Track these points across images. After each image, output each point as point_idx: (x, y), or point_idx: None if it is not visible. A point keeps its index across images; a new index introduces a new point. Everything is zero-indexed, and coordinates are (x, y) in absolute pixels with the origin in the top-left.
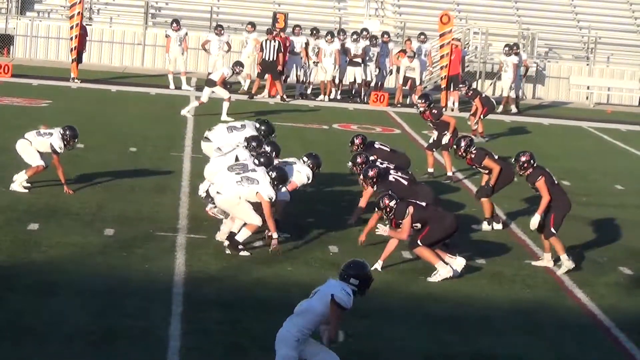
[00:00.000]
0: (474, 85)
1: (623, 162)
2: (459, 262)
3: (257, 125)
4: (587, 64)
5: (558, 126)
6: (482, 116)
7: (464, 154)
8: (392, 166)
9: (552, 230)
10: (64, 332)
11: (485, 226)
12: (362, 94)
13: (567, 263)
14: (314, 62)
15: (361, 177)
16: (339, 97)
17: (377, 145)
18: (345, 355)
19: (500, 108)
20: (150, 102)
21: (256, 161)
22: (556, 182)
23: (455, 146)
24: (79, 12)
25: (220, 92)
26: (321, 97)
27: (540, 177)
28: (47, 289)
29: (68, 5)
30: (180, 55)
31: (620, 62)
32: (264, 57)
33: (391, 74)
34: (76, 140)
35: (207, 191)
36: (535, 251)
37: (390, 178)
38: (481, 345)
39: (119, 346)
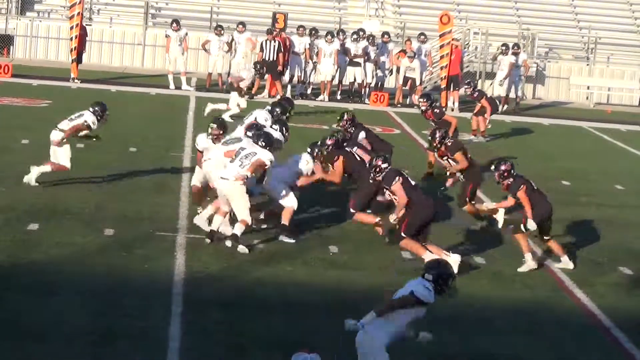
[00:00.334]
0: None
1: (623, 162)
2: (453, 259)
3: (270, 109)
4: (587, 64)
5: (558, 126)
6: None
7: (438, 145)
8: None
9: (522, 227)
10: (63, 332)
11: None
12: (362, 94)
13: (530, 263)
14: (313, 63)
15: (322, 153)
16: (339, 97)
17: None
18: (345, 355)
19: (504, 107)
20: (150, 102)
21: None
22: (535, 187)
23: (430, 137)
24: (78, 13)
25: (234, 98)
26: (321, 97)
27: (521, 187)
28: (47, 289)
29: (68, 6)
30: (180, 55)
31: (620, 62)
32: (264, 57)
33: (391, 74)
34: (107, 112)
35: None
36: (535, 251)
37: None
38: (481, 345)
39: (119, 346)
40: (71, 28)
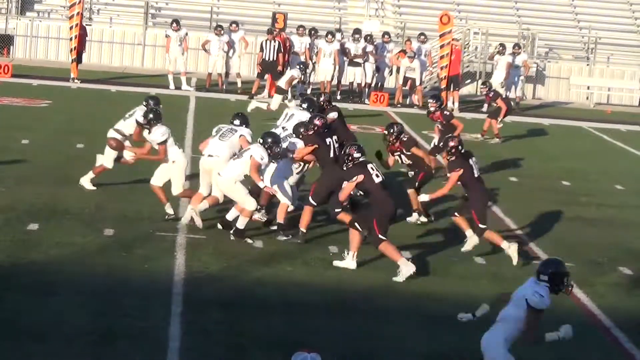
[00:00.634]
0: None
1: (623, 162)
2: (406, 271)
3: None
4: (587, 64)
5: (558, 126)
6: (502, 117)
7: (394, 140)
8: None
9: (481, 226)
10: (63, 332)
11: (413, 218)
12: (362, 94)
13: (473, 239)
14: (312, 63)
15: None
16: (338, 97)
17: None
18: (345, 355)
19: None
20: None
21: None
22: (477, 175)
23: (385, 131)
24: (78, 12)
25: (276, 100)
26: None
27: (458, 170)
28: (47, 288)
29: (68, 5)
30: (180, 55)
31: (620, 62)
32: (263, 57)
33: (391, 74)
34: (160, 105)
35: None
36: (535, 251)
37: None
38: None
39: (119, 346)
40: (71, 28)
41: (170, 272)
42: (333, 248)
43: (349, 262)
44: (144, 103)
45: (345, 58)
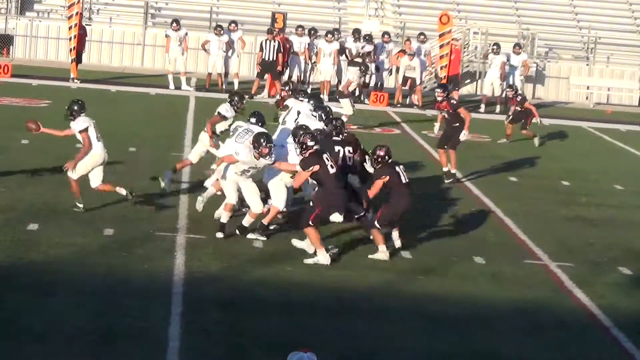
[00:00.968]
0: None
1: (623, 162)
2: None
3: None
4: (587, 64)
5: (558, 126)
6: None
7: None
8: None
9: (376, 223)
10: (63, 332)
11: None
12: (362, 94)
13: (382, 254)
14: (312, 63)
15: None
16: (337, 96)
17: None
18: (344, 355)
19: (500, 108)
20: (150, 102)
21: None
22: (405, 181)
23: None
24: (77, 12)
25: (346, 104)
26: (321, 97)
27: (383, 177)
28: (46, 288)
29: (67, 5)
30: (180, 55)
31: (620, 62)
32: (263, 57)
33: (391, 74)
34: (242, 100)
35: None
36: (535, 251)
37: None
38: (481, 345)
39: (119, 346)
40: (70, 28)
41: (170, 272)
42: (333, 248)
43: (321, 257)
44: (228, 99)
45: (344, 58)
